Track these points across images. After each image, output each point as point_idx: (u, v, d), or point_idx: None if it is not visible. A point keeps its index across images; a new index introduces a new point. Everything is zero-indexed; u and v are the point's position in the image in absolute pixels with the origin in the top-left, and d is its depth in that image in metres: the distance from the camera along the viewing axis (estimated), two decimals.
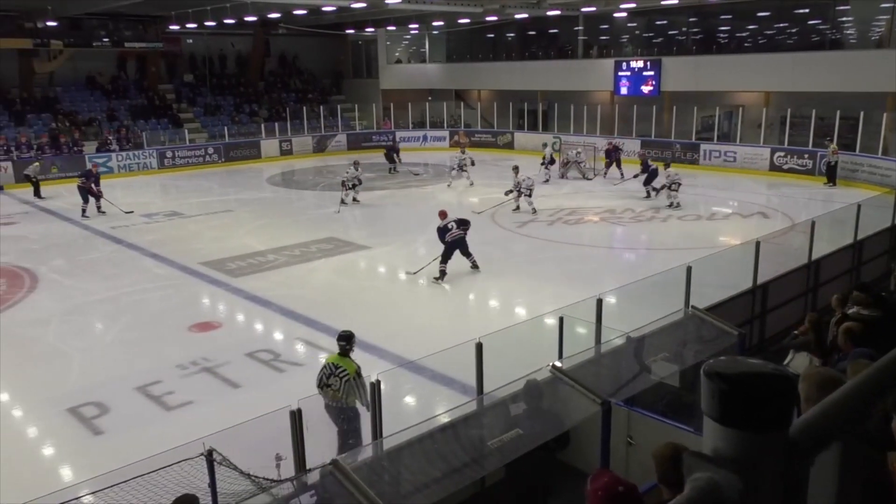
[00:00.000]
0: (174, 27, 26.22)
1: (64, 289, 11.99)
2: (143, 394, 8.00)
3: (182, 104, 28.68)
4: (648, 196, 18.30)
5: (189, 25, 25.55)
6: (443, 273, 11.82)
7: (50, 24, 23.63)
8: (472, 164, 20.50)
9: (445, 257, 11.85)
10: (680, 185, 17.36)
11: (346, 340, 6.56)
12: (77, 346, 9.61)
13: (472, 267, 12.17)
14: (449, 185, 20.50)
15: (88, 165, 19.90)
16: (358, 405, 6.32)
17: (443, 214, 12.28)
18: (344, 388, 6.30)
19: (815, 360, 5.84)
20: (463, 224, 12.09)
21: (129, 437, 7.00)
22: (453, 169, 20.72)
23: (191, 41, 30.36)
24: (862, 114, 19.74)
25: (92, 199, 17.37)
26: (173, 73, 29.73)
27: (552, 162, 21.22)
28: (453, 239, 11.91)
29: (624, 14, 25.64)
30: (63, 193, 20.72)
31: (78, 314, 10.86)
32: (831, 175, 19.54)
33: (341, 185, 18.15)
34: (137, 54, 27.79)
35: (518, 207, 16.90)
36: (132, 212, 17.52)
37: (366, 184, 21.73)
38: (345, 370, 6.34)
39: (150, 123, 26.62)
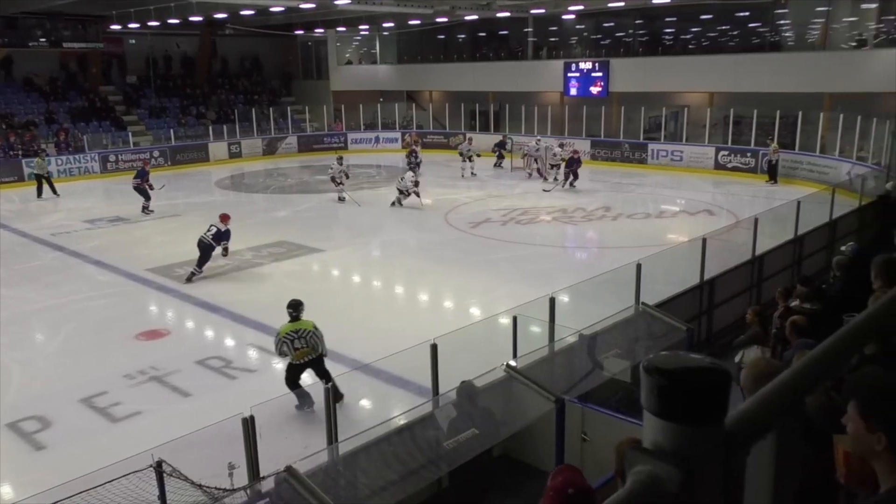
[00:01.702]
0: (115, 27, 25.47)
1: (1, 299, 11.51)
2: (87, 405, 7.74)
3: (130, 106, 27.89)
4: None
5: (131, 25, 24.86)
6: (192, 274, 12.12)
7: None
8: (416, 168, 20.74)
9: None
10: (557, 165, 19.36)
11: (294, 308, 7.65)
12: (16, 357, 9.22)
13: (185, 280, 12.09)
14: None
15: (139, 164, 19.96)
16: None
17: (224, 218, 12.42)
18: (310, 342, 7.46)
19: (767, 353, 6.02)
20: (217, 238, 12.23)
21: (74, 452, 6.77)
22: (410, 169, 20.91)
23: (133, 42, 29.55)
24: (800, 113, 20.48)
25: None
26: (110, 74, 28.81)
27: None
28: (202, 243, 12.14)
29: (572, 16, 26.02)
30: None
31: (17, 324, 10.42)
32: (773, 173, 20.22)
33: (332, 181, 18.73)
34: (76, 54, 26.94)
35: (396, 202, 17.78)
36: (164, 185, 18.18)
37: (317, 186, 21.61)
38: (304, 329, 7.47)
39: (92, 126, 25.80)
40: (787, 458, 0.83)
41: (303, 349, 7.43)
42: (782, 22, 23.80)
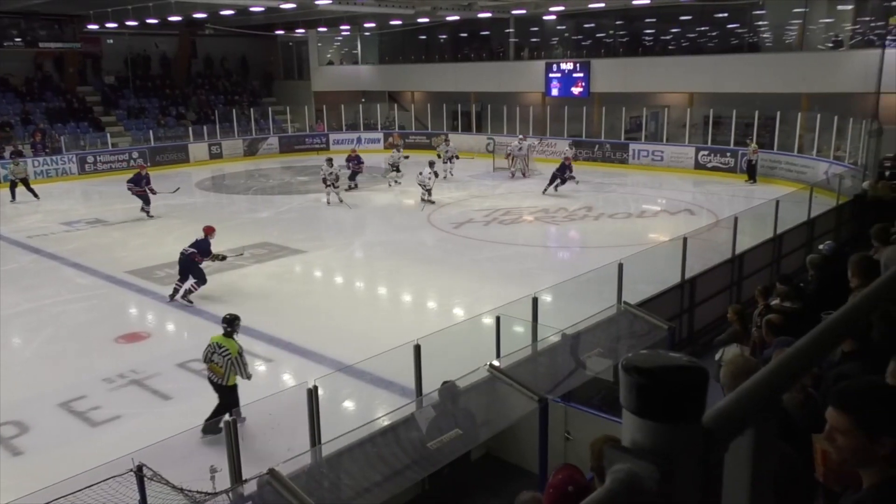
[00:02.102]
0: (93, 26, 25.17)
1: None
2: (66, 410, 7.64)
3: (108, 107, 27.56)
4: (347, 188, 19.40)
5: (109, 25, 24.57)
6: (175, 292, 10.98)
7: None
8: (398, 170, 20.62)
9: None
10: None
11: (229, 323, 7.24)
12: None
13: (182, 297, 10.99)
14: (390, 186, 20.54)
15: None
16: (239, 379, 7.12)
17: (208, 230, 11.37)
18: (227, 365, 7.00)
19: (746, 351, 6.08)
20: (196, 246, 11.10)
21: (53, 457, 6.67)
22: (390, 170, 20.84)
23: (111, 41, 29.22)
24: (779, 114, 20.72)
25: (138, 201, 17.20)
26: (86, 75, 28.45)
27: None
28: (181, 256, 11.06)
29: (553, 17, 26.12)
30: None
31: None
32: (752, 173, 20.46)
33: (322, 182, 18.43)
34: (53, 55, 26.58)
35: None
36: (178, 188, 18.30)
37: (299, 187, 21.51)
38: (227, 350, 7.03)
39: (69, 127, 25.46)
40: (764, 454, 0.84)
41: (214, 365, 7.06)
42: (760, 23, 24.08)
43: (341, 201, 18.21)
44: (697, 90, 23.41)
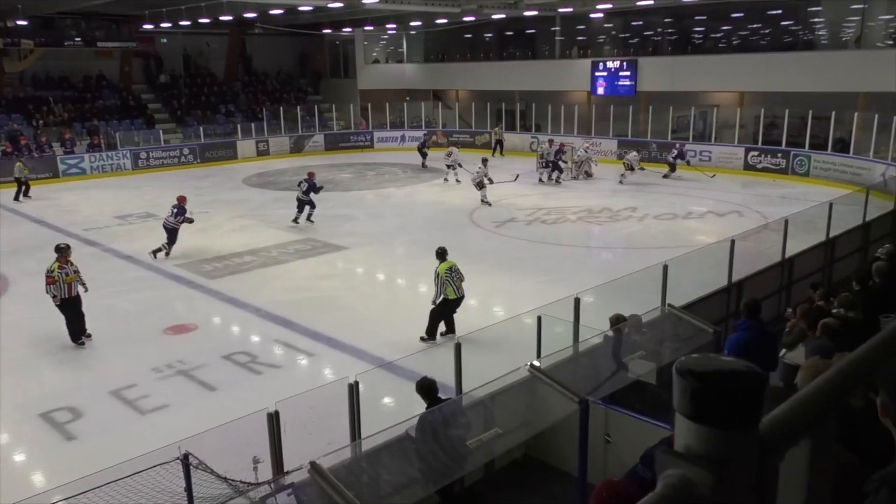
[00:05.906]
0: (148, 26, 25.89)
1: (33, 293, 11.73)
2: (116, 398, 7.88)
3: (162, 105, 28.33)
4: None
5: (163, 25, 25.25)
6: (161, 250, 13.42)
7: (20, 23, 23.25)
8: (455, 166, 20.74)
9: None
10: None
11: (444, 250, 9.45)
12: (47, 350, 9.42)
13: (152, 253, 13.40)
14: (446, 180, 20.83)
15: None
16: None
17: (181, 199, 13.72)
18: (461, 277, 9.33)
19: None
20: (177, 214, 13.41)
21: (103, 442, 6.89)
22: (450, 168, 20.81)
23: (165, 41, 30.01)
24: (833, 113, 20.08)
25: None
26: (149, 72, 29.33)
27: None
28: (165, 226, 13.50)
29: (600, 15, 25.80)
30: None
31: (44, 319, 10.63)
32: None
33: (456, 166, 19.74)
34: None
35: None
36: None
37: (343, 184, 21.71)
38: (455, 266, 9.31)
39: (124, 124, 26.25)
40: (821, 463, 0.81)
41: (460, 281, 9.20)
42: (816, 20, 23.35)
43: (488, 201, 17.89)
44: (748, 89, 22.83)
